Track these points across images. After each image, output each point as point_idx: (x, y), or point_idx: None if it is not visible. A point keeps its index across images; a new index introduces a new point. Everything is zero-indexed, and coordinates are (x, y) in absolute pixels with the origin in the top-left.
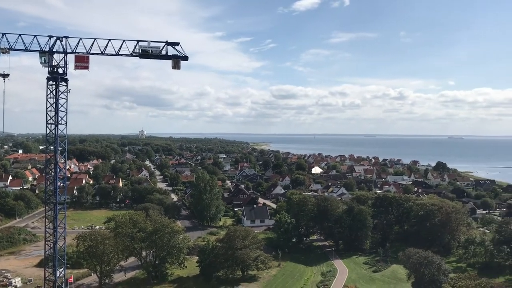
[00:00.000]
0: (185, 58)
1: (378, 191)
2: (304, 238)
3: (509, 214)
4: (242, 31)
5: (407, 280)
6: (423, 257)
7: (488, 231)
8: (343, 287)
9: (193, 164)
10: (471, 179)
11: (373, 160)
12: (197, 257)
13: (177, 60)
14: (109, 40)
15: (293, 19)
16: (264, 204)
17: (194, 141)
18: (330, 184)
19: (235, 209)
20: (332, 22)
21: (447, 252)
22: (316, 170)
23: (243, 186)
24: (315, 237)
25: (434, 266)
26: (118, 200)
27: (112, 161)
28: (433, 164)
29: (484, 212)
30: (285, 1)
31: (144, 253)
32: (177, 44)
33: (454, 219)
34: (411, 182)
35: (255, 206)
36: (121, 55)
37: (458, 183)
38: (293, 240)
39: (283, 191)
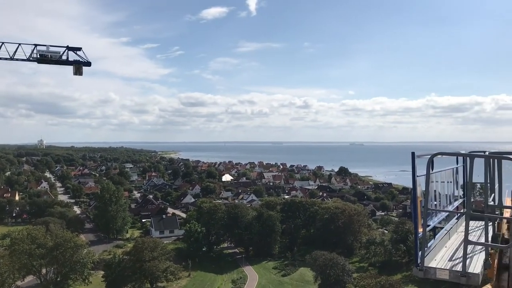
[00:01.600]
0: (88, 64)
1: (286, 196)
2: (215, 247)
3: (404, 215)
4: (149, 37)
5: (314, 282)
6: (328, 259)
7: (386, 231)
8: None
9: (98, 175)
10: (371, 182)
11: (281, 167)
12: (103, 272)
13: (79, 66)
14: (2, 43)
15: (201, 27)
16: (173, 214)
17: (98, 150)
18: (240, 191)
19: (143, 220)
20: (239, 31)
21: (350, 253)
22: (227, 177)
23: (151, 196)
24: (225, 244)
25: (339, 267)
26: (14, 215)
27: (7, 173)
28: (337, 169)
29: (383, 213)
30: (192, 8)
31: (44, 271)
32: (79, 49)
33: (356, 221)
34: (316, 187)
35: (164, 216)
36: (17, 59)
37: (359, 186)
38: (203, 249)
39: (193, 200)
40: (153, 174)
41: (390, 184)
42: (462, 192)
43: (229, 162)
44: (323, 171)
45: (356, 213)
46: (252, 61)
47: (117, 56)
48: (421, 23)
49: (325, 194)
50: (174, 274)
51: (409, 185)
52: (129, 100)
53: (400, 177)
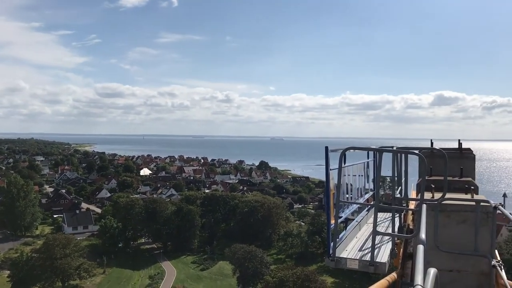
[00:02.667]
0: None
1: (207, 191)
2: (132, 242)
3: (320, 207)
4: (63, 24)
5: (233, 275)
6: (247, 252)
7: (303, 224)
8: None
9: (4, 168)
10: (289, 176)
11: (202, 161)
12: (9, 272)
13: None
14: None
15: (120, 15)
16: (88, 209)
17: (5, 142)
18: (159, 185)
19: (55, 216)
20: (160, 21)
21: (268, 245)
22: (145, 171)
23: (64, 190)
24: (143, 240)
25: (257, 259)
26: None
27: None
28: (257, 163)
29: (300, 206)
30: None
31: None
32: None
33: (275, 214)
34: (237, 180)
35: (77, 211)
36: None
37: (278, 180)
38: (119, 245)
39: (109, 194)
40: (66, 167)
41: (307, 177)
42: (373, 185)
43: (148, 155)
44: (244, 165)
45: (275, 206)
46: (173, 52)
47: (28, 42)
48: (339, 24)
49: (245, 188)
50: (88, 271)
51: (324, 178)
52: (41, 89)
53: (316, 171)
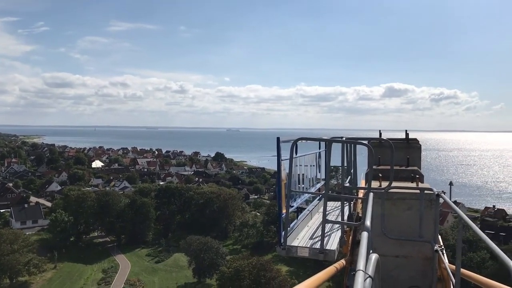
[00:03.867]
0: None
1: (161, 183)
2: (84, 236)
3: (276, 198)
4: (8, 10)
5: (188, 267)
6: (202, 243)
7: (259, 214)
8: (125, 282)
9: None
10: (245, 167)
11: (156, 152)
12: None
13: None
14: None
15: (69, 2)
16: (37, 203)
17: None
18: (112, 178)
19: (2, 210)
20: (111, 9)
21: (224, 236)
22: (97, 164)
23: (11, 184)
24: (96, 233)
25: (213, 250)
26: None
27: None
28: (213, 155)
29: (256, 196)
30: None
31: None
32: None
33: (230, 205)
34: (192, 172)
35: (26, 205)
36: None
37: (234, 171)
38: (71, 239)
39: (59, 187)
40: (13, 160)
41: (263, 168)
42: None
43: (100, 147)
44: (199, 156)
45: (231, 197)
46: (125, 41)
47: None
48: (295, 15)
49: (201, 180)
50: (38, 267)
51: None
52: None
53: (272, 162)
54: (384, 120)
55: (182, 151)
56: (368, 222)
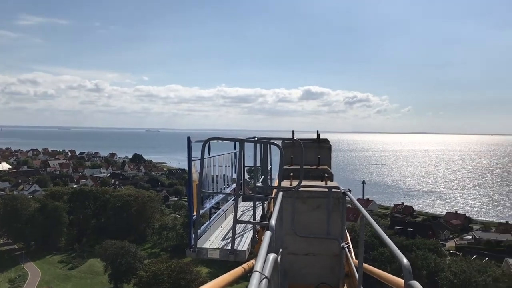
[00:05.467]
0: None
1: (75, 186)
2: None
3: None
4: None
5: (104, 272)
6: (119, 248)
7: (179, 216)
8: None
9: None
10: (165, 169)
11: (70, 154)
12: None
13: None
14: None
15: None
16: None
17: None
18: (20, 181)
19: None
20: (19, 1)
21: (143, 239)
22: (4, 166)
23: None
24: (1, 241)
25: (130, 255)
26: None
27: None
28: (130, 156)
29: (176, 198)
30: None
31: None
32: None
33: (149, 207)
34: (108, 174)
35: None
36: None
37: (153, 173)
38: None
39: None
40: None
41: (183, 170)
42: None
43: (7, 149)
44: (116, 158)
45: (149, 200)
46: (35, 37)
47: None
48: (216, 16)
49: (117, 182)
50: None
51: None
52: None
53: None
54: (302, 122)
55: (97, 153)
56: (273, 221)
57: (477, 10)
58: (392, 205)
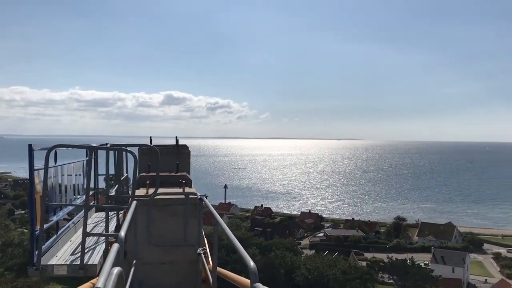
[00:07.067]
0: None
1: None
2: None
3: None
4: None
5: None
6: None
7: (26, 230)
8: None
9: None
10: (9, 179)
11: None
12: None
13: None
14: None
15: None
16: None
17: None
18: None
19: None
20: None
21: None
22: None
23: None
24: None
25: None
26: None
27: None
28: None
29: (23, 212)
30: None
31: None
32: None
33: None
34: None
35: None
36: None
37: None
38: None
39: None
40: None
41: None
42: (94, 184)
43: None
44: None
45: None
46: None
47: None
48: (67, 14)
49: None
50: None
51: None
52: None
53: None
54: (163, 127)
55: None
56: (122, 233)
57: (325, 24)
58: (252, 208)
